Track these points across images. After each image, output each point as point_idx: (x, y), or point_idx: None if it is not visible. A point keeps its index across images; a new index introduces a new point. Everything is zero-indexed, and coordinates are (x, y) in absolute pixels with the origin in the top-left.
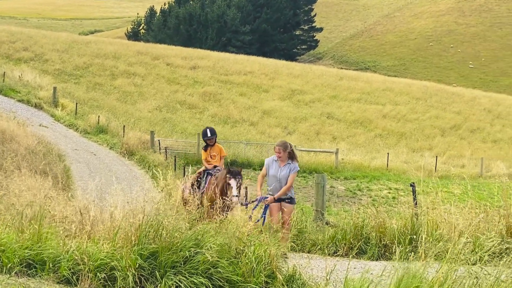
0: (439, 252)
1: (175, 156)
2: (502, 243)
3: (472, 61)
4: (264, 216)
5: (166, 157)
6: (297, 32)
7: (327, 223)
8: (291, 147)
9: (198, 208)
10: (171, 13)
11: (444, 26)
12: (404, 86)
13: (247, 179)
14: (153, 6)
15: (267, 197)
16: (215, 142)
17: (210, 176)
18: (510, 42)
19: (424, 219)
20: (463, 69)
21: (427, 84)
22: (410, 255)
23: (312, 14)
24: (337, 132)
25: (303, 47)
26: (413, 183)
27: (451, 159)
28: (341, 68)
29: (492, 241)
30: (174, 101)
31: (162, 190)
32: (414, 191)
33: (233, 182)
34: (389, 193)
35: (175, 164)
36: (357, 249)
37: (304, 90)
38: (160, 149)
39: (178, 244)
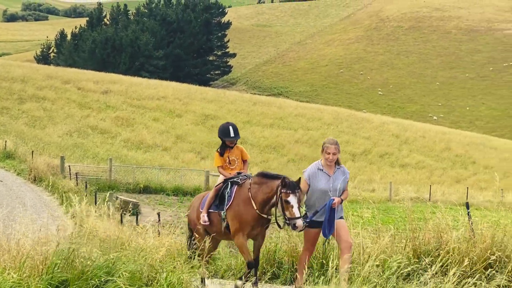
0: (350, 275)
1: (86, 182)
2: (409, 265)
3: (381, 88)
4: (331, 232)
5: (77, 183)
6: (211, 58)
7: None
8: None
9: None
10: (83, 36)
11: (354, 54)
12: (316, 111)
13: (159, 204)
14: (63, 29)
15: (333, 199)
16: (236, 143)
17: (235, 186)
18: (416, 70)
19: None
20: (372, 95)
21: (338, 110)
22: (320, 279)
23: (226, 39)
24: (250, 157)
25: (217, 72)
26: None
27: (362, 184)
28: (255, 94)
29: (399, 263)
30: (85, 125)
31: (73, 217)
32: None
33: (293, 199)
34: None
35: (86, 190)
36: (270, 274)
37: (218, 115)
38: (70, 174)
39: (89, 273)
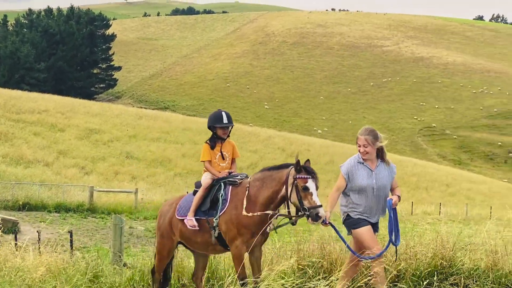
0: None
1: None
2: (294, 278)
3: (267, 102)
4: (399, 238)
5: None
6: (95, 71)
7: (124, 265)
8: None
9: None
10: None
11: (240, 68)
12: (203, 125)
13: (40, 221)
14: None
15: (391, 199)
16: (229, 135)
17: (230, 187)
18: (301, 84)
19: (222, 256)
20: (258, 109)
21: None
22: None
23: (110, 52)
24: (136, 171)
25: (102, 85)
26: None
27: None
28: (141, 107)
29: (285, 275)
30: None
31: None
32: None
33: (312, 185)
34: None
35: None
36: None
37: (103, 129)
38: None
39: None
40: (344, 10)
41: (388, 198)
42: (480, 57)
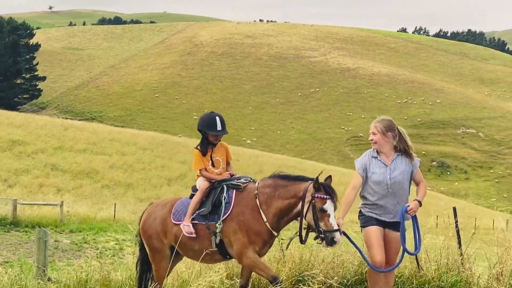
0: None
1: None
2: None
3: (196, 112)
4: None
5: None
6: (19, 81)
7: (49, 279)
8: (398, 129)
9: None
10: None
11: (169, 78)
12: (131, 136)
13: None
14: None
15: (407, 206)
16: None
17: (234, 191)
18: (230, 95)
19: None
20: (187, 119)
21: (153, 135)
22: None
23: (34, 62)
24: (62, 184)
25: (25, 96)
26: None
27: None
28: (67, 118)
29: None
30: None
31: None
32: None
33: (330, 206)
34: (117, 244)
35: None
36: None
37: (26, 141)
38: None
39: None
40: (271, 21)
41: (405, 205)
42: (404, 68)
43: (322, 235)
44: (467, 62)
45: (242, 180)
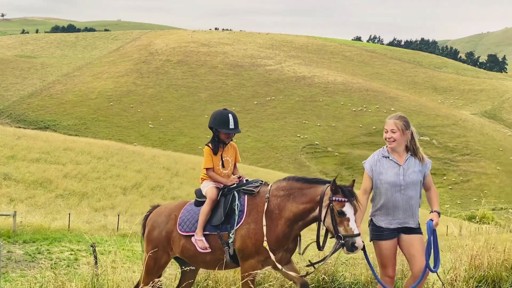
0: None
1: None
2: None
3: (151, 121)
4: (438, 264)
5: None
6: None
7: None
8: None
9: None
10: None
11: (123, 87)
12: (85, 145)
13: None
14: None
15: (432, 220)
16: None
17: (245, 196)
18: (185, 103)
19: (105, 279)
20: (143, 128)
21: (108, 144)
22: None
23: None
24: (15, 193)
25: None
26: (94, 243)
27: (133, 217)
28: (19, 127)
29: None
30: None
31: None
32: (94, 251)
33: (349, 210)
34: (71, 254)
35: None
36: None
37: None
38: None
39: None
40: (227, 29)
41: (428, 220)
42: (359, 76)
43: (342, 241)
44: (421, 71)
45: (253, 184)
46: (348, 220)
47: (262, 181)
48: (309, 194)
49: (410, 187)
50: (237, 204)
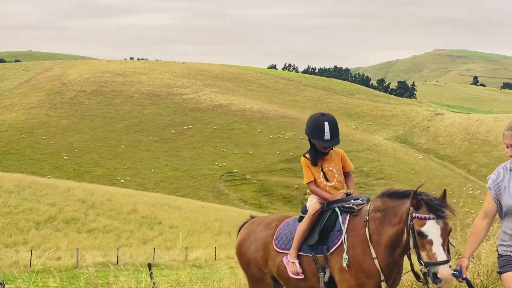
0: None
1: None
2: None
3: (65, 153)
4: None
5: None
6: None
7: None
8: None
9: None
10: None
11: (36, 118)
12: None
13: None
14: None
15: None
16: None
17: (348, 216)
18: (101, 134)
19: None
20: (57, 160)
21: (20, 177)
22: None
23: None
24: None
25: None
26: (2, 281)
27: (47, 252)
28: None
29: None
30: None
31: None
32: None
33: (432, 229)
34: None
35: None
36: None
37: None
38: None
39: None
40: (142, 59)
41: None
42: (275, 104)
43: (425, 269)
44: (335, 97)
45: (358, 201)
46: (431, 243)
47: (367, 198)
48: (399, 213)
49: None
50: (339, 222)
